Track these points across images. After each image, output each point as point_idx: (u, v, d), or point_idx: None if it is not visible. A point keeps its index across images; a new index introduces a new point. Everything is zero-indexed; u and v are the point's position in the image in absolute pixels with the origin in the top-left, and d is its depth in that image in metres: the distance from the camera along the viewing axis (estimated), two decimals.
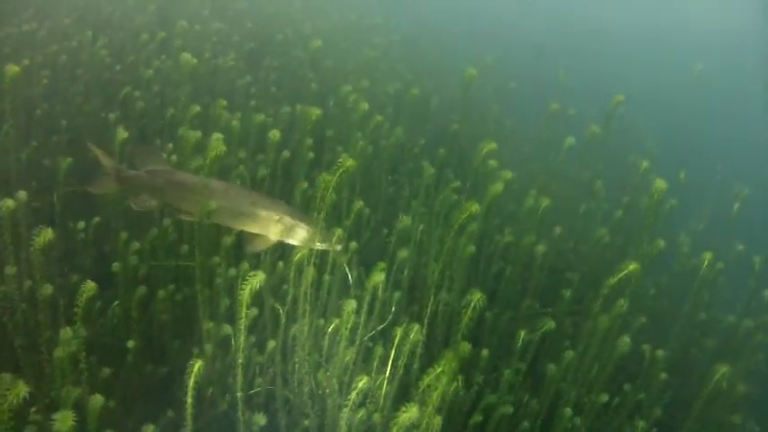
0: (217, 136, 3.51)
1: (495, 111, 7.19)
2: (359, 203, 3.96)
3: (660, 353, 4.25)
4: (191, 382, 2.64)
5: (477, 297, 2.61)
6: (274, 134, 3.84)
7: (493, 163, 4.21)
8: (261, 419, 3.28)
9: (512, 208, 4.94)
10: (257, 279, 2.55)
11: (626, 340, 3.60)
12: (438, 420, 2.83)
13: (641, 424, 3.83)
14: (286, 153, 4.72)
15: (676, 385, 4.61)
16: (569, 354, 3.46)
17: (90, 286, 2.71)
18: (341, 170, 2.90)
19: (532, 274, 4.28)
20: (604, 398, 3.88)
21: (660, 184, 3.37)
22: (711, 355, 4.88)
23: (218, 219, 3.74)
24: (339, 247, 3.64)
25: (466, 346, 2.44)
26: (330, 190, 2.99)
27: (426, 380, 2.54)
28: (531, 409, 3.86)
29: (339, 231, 3.53)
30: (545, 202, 3.87)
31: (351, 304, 3.13)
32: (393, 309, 3.86)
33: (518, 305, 4.38)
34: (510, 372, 3.46)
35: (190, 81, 5.66)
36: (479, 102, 7.32)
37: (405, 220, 3.69)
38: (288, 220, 3.70)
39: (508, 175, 4.13)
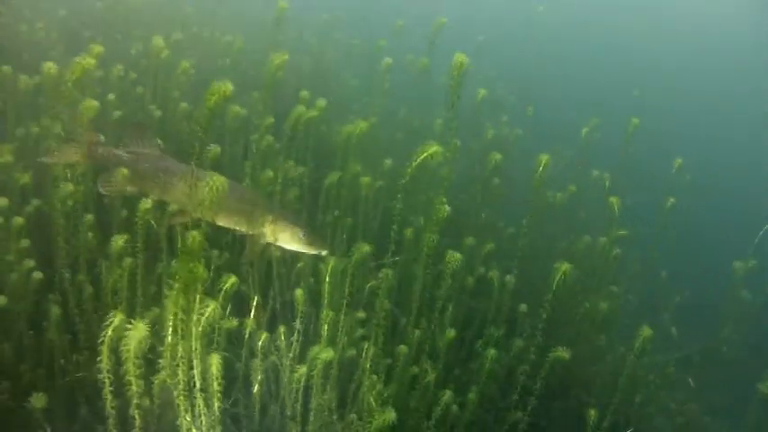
0: None
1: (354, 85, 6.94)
2: None
3: (509, 278, 3.99)
4: None
5: (193, 236, 2.18)
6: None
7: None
8: None
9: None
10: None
11: (456, 255, 3.20)
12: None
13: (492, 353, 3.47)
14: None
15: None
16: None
17: None
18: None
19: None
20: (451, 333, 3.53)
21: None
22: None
23: (208, 215, 3.27)
24: (324, 252, 3.51)
25: None
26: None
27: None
28: None
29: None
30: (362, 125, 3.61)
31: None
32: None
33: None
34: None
35: None
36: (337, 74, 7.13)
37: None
38: (283, 222, 3.44)
39: (322, 102, 3.89)
